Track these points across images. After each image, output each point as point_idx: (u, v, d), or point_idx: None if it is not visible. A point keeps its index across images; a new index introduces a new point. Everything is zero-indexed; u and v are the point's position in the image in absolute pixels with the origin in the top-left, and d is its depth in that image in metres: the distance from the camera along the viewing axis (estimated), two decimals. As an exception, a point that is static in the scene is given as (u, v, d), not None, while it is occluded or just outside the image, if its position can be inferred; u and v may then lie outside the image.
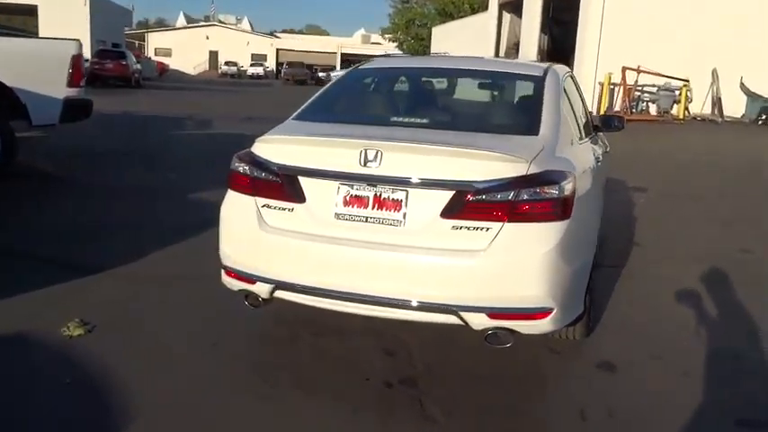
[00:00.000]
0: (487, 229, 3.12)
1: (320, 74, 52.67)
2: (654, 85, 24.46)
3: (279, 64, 68.50)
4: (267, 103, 23.74)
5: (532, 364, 3.74)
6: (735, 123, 24.76)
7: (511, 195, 3.11)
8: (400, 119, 4.01)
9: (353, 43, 79.24)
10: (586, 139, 4.40)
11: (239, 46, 73.01)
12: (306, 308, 3.45)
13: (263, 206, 3.45)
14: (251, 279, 3.48)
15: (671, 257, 5.93)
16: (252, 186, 3.49)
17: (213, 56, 72.74)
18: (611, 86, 23.92)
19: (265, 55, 72.78)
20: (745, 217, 8.06)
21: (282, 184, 3.39)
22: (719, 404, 3.38)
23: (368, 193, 3.28)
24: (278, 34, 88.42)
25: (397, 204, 3.23)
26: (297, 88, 41.51)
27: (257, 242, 3.44)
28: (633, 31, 25.55)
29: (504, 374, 3.61)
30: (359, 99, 4.35)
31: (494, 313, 3.13)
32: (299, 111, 4.05)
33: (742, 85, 26.86)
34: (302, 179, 3.37)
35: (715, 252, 6.27)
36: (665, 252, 6.16)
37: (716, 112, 25.38)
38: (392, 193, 3.24)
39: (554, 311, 3.21)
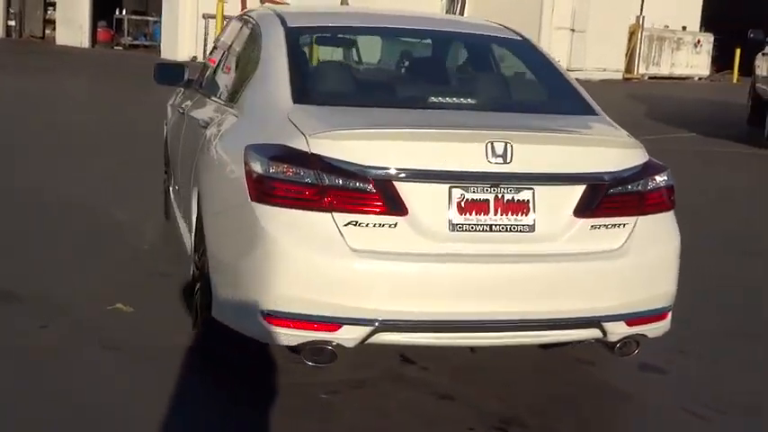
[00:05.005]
0: (624, 225, 4.16)
1: None
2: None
3: None
4: None
5: (589, 373, 4.92)
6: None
7: (640, 185, 4.20)
8: (442, 99, 4.73)
9: None
10: None
11: None
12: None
13: (348, 224, 3.88)
14: (334, 324, 3.90)
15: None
16: (324, 199, 3.88)
17: None
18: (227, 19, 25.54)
19: None
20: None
21: (377, 194, 3.89)
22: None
23: (488, 195, 4.00)
24: None
25: (524, 206, 4.03)
26: None
27: (346, 273, 3.87)
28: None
29: (592, 397, 4.73)
30: (361, 73, 4.90)
31: (632, 319, 4.19)
32: (295, 92, 4.39)
33: None
34: (400, 184, 3.91)
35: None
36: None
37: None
38: (517, 193, 4.03)
39: (670, 310, 4.42)
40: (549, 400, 4.58)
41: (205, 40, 26.98)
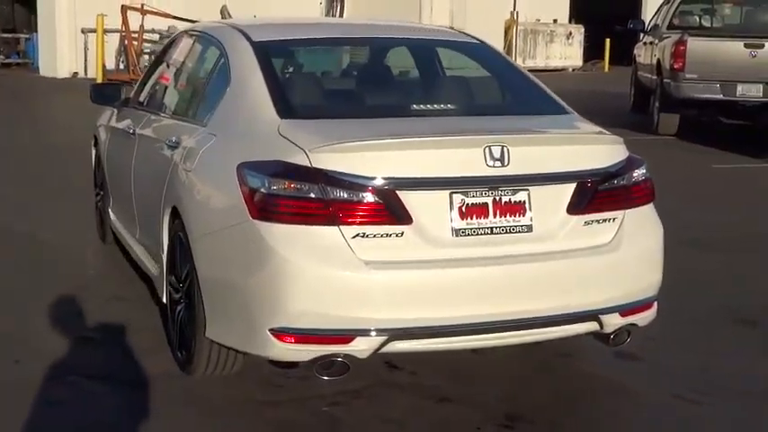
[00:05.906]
0: (613, 219, 4.29)
1: None
2: (159, 33, 25.97)
3: None
4: None
5: (586, 369, 5.06)
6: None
7: (625, 180, 4.35)
8: (426, 106, 4.77)
9: None
10: None
11: None
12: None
13: (356, 236, 3.89)
14: (346, 336, 3.90)
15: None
16: (330, 212, 3.87)
17: None
18: (107, 34, 24.83)
19: None
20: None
21: (382, 204, 3.90)
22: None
23: (486, 198, 4.06)
24: None
25: (520, 207, 4.11)
26: None
27: (359, 285, 3.88)
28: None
29: (585, 388, 4.85)
30: (339, 84, 4.88)
31: (625, 310, 4.31)
32: (278, 107, 4.35)
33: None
34: (403, 193, 3.93)
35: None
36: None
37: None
38: (513, 194, 4.10)
39: (656, 299, 4.57)
40: (545, 395, 4.68)
41: (85, 55, 26.25)
